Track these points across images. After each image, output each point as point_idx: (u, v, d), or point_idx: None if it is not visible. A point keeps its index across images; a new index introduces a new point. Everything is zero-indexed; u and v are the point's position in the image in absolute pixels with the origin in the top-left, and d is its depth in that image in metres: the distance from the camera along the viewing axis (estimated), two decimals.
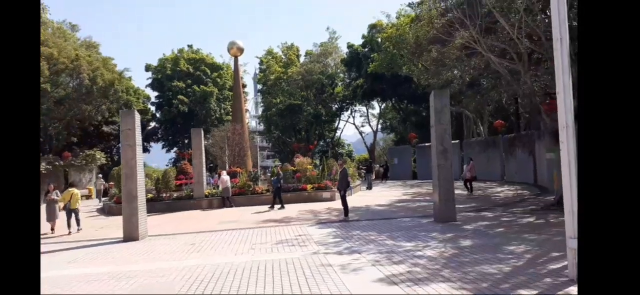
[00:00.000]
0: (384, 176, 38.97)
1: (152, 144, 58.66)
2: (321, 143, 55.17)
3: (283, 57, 54.30)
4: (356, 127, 57.89)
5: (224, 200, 20.02)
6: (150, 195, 20.43)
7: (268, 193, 20.94)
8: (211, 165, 29.61)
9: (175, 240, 12.55)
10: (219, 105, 52.82)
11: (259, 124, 67.76)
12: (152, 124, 57.31)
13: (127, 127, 13.46)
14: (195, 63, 52.80)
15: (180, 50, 54.67)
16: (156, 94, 55.53)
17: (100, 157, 39.67)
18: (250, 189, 20.95)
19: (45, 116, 38.00)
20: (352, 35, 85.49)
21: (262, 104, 59.18)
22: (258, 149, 39.97)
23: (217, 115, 51.62)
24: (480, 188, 25.16)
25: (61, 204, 15.51)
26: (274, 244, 10.81)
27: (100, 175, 25.93)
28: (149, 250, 11.28)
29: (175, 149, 54.06)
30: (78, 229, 15.49)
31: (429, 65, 33.57)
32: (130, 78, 47.69)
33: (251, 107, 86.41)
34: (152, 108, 54.78)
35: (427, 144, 40.26)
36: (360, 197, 22.76)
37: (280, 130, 52.73)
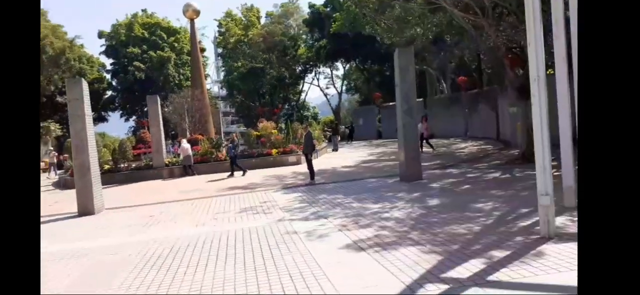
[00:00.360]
0: (350, 137, 38.86)
1: (109, 113, 56.46)
2: (286, 107, 54.44)
3: (243, 19, 52.65)
4: (321, 89, 57.35)
5: (185, 169, 19.36)
6: (107, 167, 19.58)
7: None
8: (172, 133, 28.67)
9: (134, 213, 11.98)
10: (177, 71, 51.08)
11: (221, 88, 66.14)
12: (109, 93, 55.08)
13: (74, 96, 12.55)
14: (151, 28, 50.59)
15: (134, 15, 52.20)
16: (111, 61, 53.17)
17: (54, 129, 37.92)
18: (213, 156, 20.32)
19: None
20: None
21: (223, 69, 57.67)
22: (222, 115, 38.99)
23: (176, 81, 49.95)
24: (444, 144, 25.35)
25: None
26: (237, 213, 10.39)
27: (52, 148, 24.59)
28: (105, 224, 10.68)
29: (134, 117, 52.24)
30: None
31: (392, 23, 33.21)
32: (82, 46, 45.37)
33: (212, 71, 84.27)
34: (108, 76, 52.45)
35: (391, 104, 40.19)
36: (327, 159, 22.52)
37: (243, 95, 51.63)
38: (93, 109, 43.51)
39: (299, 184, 14.84)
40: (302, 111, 54.52)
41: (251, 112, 51.66)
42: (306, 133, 15.56)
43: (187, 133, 24.47)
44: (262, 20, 52.86)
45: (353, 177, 15.28)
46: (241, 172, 18.24)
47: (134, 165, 20.00)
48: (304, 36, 51.51)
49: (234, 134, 19.08)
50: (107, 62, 53.93)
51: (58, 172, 24.00)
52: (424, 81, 41.97)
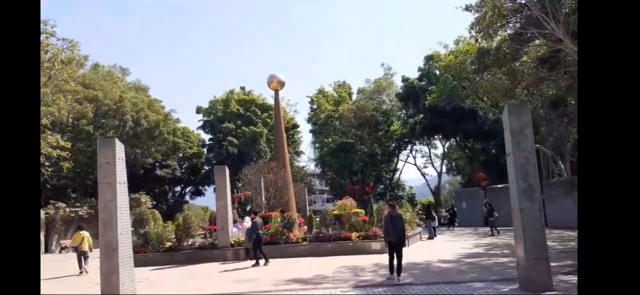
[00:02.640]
0: (451, 223, 34.27)
1: (206, 187, 57.21)
2: (380, 186, 51.06)
3: (334, 95, 51.56)
4: (418, 168, 53.45)
5: (248, 252, 16.70)
6: (168, 244, 17.61)
7: (305, 243, 17.47)
8: (250, 208, 26.69)
9: None
10: (269, 146, 50.51)
11: (316, 166, 64.74)
12: (206, 168, 56.06)
13: (106, 160, 10.64)
14: (246, 104, 51.19)
15: (231, 91, 53.47)
16: (209, 136, 54.42)
17: (146, 200, 38.05)
18: (283, 237, 17.53)
19: (88, 159, 37.21)
20: (408, 70, 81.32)
21: (317, 145, 56.42)
22: (317, 192, 36.61)
23: (268, 157, 49.28)
24: (570, 238, 20.26)
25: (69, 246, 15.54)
26: None
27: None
28: None
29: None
30: (80, 272, 15.49)
31: (498, 84, 29.14)
32: (177, 119, 46.69)
33: (307, 149, 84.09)
34: (204, 151, 53.48)
35: (498, 186, 35.23)
36: (420, 249, 18.67)
37: (333, 172, 49.38)
38: (191, 184, 43.33)
39: (377, 282, 11.36)
40: (396, 191, 50.63)
41: (343, 189, 49.01)
42: (391, 214, 11.92)
43: (263, 209, 22.15)
44: (354, 96, 51.31)
45: (452, 278, 11.44)
46: (264, 261, 15.36)
47: (197, 243, 17.83)
48: (397, 112, 48.82)
49: (253, 215, 16.14)
50: (205, 137, 55.32)
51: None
52: (537, 160, 36.62)
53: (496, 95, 33.12)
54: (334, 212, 19.69)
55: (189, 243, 17.84)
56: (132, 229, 21.83)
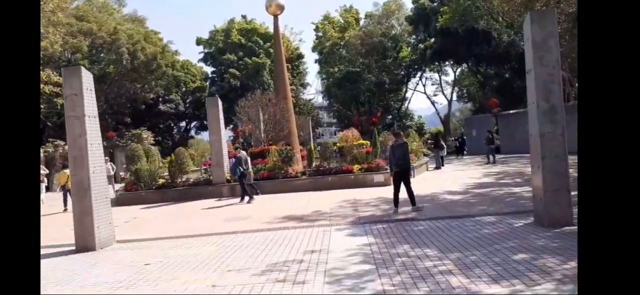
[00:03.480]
0: (459, 151, 33.16)
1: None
2: (388, 117, 49.64)
3: (341, 21, 49.17)
4: (428, 96, 51.77)
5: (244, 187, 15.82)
6: (162, 181, 16.78)
7: (304, 178, 16.53)
8: (246, 143, 25.70)
9: (142, 252, 8.56)
10: (272, 78, 48.93)
11: (323, 98, 63.18)
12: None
13: (72, 91, 9.44)
14: (247, 34, 49.13)
15: (232, 20, 51.30)
16: (211, 69, 52.85)
17: (147, 136, 37.31)
18: (282, 171, 16.57)
19: None
20: None
21: (323, 76, 54.64)
22: (310, 125, 35.40)
23: (272, 89, 47.84)
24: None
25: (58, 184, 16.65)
26: (256, 275, 6.31)
27: (108, 159, 22.59)
28: (83, 271, 7.26)
29: (231, 125, 51.17)
30: (64, 209, 15.51)
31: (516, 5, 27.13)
32: (176, 52, 45.02)
33: (314, 80, 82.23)
34: (207, 84, 52.08)
35: (511, 112, 33.72)
36: (427, 180, 17.67)
37: (340, 103, 47.99)
38: (196, 118, 42.32)
39: (378, 217, 10.39)
40: (404, 121, 49.30)
41: (350, 121, 47.83)
42: (394, 143, 11.07)
43: (262, 143, 21.14)
44: (361, 22, 48.84)
45: (460, 212, 10.41)
46: (247, 198, 14.59)
47: (191, 180, 16.96)
48: (407, 38, 46.49)
49: (239, 150, 15.06)
50: (208, 70, 53.79)
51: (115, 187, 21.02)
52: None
53: (512, 13, 30.94)
54: (338, 144, 18.57)
55: (183, 179, 16.99)
56: (124, 165, 21.21)
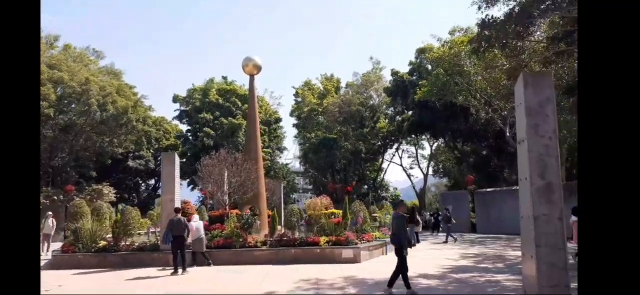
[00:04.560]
0: (435, 227, 31.87)
1: (182, 181, 54.23)
2: (364, 187, 48.48)
3: (321, 88, 48.95)
4: (404, 169, 50.95)
5: (195, 256, 14.04)
6: (102, 243, 14.86)
7: (264, 248, 14.86)
8: (211, 205, 23.92)
9: None
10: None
11: (300, 163, 61.98)
12: (183, 160, 53.13)
13: None
14: (226, 94, 48.23)
15: (211, 80, 50.57)
16: (187, 127, 51.47)
17: (108, 192, 35.10)
18: (240, 239, 14.87)
19: (48, 145, 34.19)
20: (399, 64, 78.08)
21: (300, 141, 53.71)
22: (282, 189, 33.87)
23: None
24: (571, 250, 17.86)
25: None
26: None
27: (50, 213, 20.41)
28: None
29: (200, 186, 49.21)
30: None
31: (497, 80, 26.80)
32: (150, 107, 43.64)
33: (291, 145, 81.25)
34: (179, 142, 50.46)
35: (488, 190, 32.96)
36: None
37: (315, 169, 46.76)
38: None
39: None
40: (380, 191, 48.16)
41: (325, 188, 46.44)
42: (396, 213, 10.00)
43: (226, 207, 19.46)
44: (341, 91, 48.65)
45: None
46: (181, 269, 12.94)
47: (136, 244, 15.08)
48: (384, 108, 46.30)
49: (175, 211, 13.37)
50: (183, 127, 52.39)
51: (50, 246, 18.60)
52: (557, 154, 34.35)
53: (492, 90, 30.86)
54: (298, 210, 17.01)
55: (127, 243, 15.09)
56: (65, 223, 19.17)
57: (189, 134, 49.75)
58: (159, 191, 56.55)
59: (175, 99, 49.91)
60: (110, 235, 15.41)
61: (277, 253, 14.63)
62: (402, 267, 9.35)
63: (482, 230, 29.75)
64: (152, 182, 55.53)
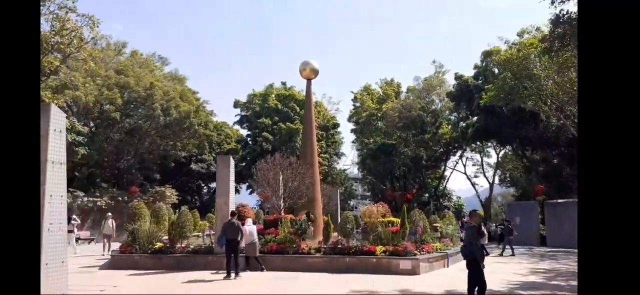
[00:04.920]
0: (501, 239, 30.03)
1: (241, 184, 55.12)
2: (425, 195, 46.90)
3: (380, 92, 47.99)
4: (468, 177, 48.84)
5: (248, 260, 13.78)
6: (158, 245, 14.98)
7: (317, 255, 14.35)
8: (268, 210, 23.81)
9: None
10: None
11: (359, 169, 61.19)
12: (242, 165, 54.02)
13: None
14: (285, 99, 48.56)
15: (270, 86, 51.10)
16: (247, 132, 52.38)
17: (170, 194, 36.13)
18: (294, 245, 14.46)
19: (114, 147, 35.76)
20: (463, 68, 74.80)
21: (358, 147, 52.96)
22: (339, 195, 33.33)
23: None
24: None
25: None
26: None
27: (110, 214, 20.99)
28: None
29: (260, 189, 49.74)
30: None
31: (571, 82, 24.94)
32: (211, 112, 44.65)
33: (351, 152, 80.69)
34: (240, 146, 51.36)
35: (559, 201, 30.68)
36: (463, 271, 15.06)
37: (374, 176, 45.82)
38: None
39: None
40: (442, 200, 46.37)
41: (384, 195, 45.39)
42: (468, 223, 9.57)
43: (281, 211, 19.22)
44: (402, 96, 47.43)
45: None
46: (234, 274, 12.66)
47: (192, 246, 15.07)
48: (448, 115, 44.56)
49: (231, 214, 12.95)
50: (244, 132, 53.36)
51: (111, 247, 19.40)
52: None
53: (564, 94, 28.83)
54: (353, 217, 16.29)
55: (183, 245, 15.12)
56: (125, 224, 19.57)
57: (248, 138, 50.53)
58: None
59: (237, 104, 50.87)
60: (166, 237, 15.52)
61: (331, 261, 14.07)
62: (477, 282, 8.47)
63: (552, 243, 27.63)
64: (214, 185, 56.86)
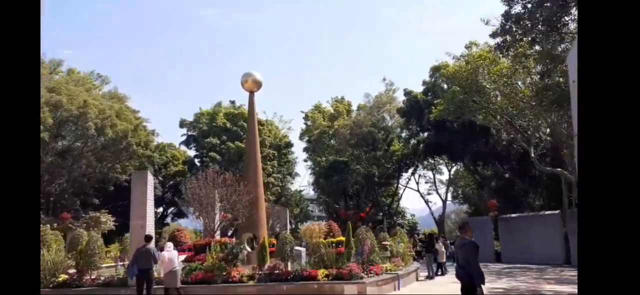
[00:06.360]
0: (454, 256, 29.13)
1: (191, 208, 52.43)
2: (379, 214, 45.86)
3: (331, 110, 46.98)
4: (421, 195, 48.30)
5: (167, 292, 11.84)
6: (62, 277, 12.77)
7: (251, 283, 12.59)
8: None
9: None
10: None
11: (313, 189, 59.61)
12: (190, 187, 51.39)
13: None
14: (234, 118, 46.69)
15: (218, 104, 49.14)
16: (194, 153, 50.00)
17: (106, 219, 33.21)
18: (223, 273, 12.62)
19: (44, 170, 32.66)
20: (412, 85, 73.84)
21: (310, 165, 51.51)
22: (288, 215, 31.66)
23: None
24: None
25: None
26: None
27: None
28: None
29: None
30: None
31: (519, 93, 24.54)
32: (153, 131, 42.10)
33: (304, 171, 79.19)
34: (187, 168, 48.85)
35: (513, 215, 30.23)
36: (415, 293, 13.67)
37: (327, 195, 44.42)
38: (174, 204, 38.64)
39: None
40: (395, 218, 45.49)
41: (338, 215, 43.98)
42: (458, 241, 7.92)
43: (217, 235, 17.31)
44: (353, 114, 46.60)
45: None
46: None
47: (102, 278, 12.91)
48: (400, 132, 44.02)
49: (145, 240, 11.17)
50: (191, 153, 50.95)
51: None
52: (557, 187, 31.60)
53: (513, 108, 28.61)
54: (290, 237, 14.56)
55: (92, 277, 12.97)
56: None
57: (196, 159, 48.21)
58: (167, 219, 54.98)
59: (182, 123, 48.53)
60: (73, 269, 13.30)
61: (266, 289, 12.36)
62: None
63: (507, 259, 26.92)
64: (161, 210, 53.88)
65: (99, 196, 40.47)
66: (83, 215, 33.80)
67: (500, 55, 26.70)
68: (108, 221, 33.50)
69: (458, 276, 7.33)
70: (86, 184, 37.41)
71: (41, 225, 29.34)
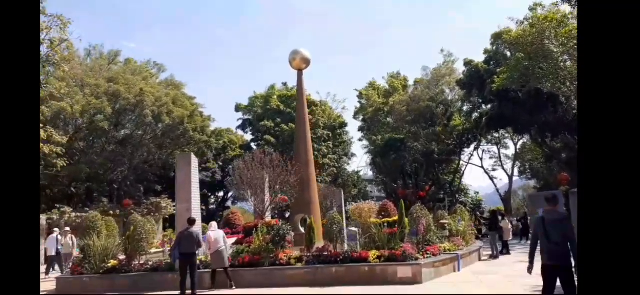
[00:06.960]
0: (523, 233, 27.33)
1: (249, 191, 53.10)
2: (441, 193, 44.03)
3: (386, 87, 45.42)
4: (486, 171, 45.90)
5: (214, 276, 11.46)
6: (112, 263, 12.73)
7: (299, 266, 11.96)
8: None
9: None
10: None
11: (371, 169, 58.48)
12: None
13: None
14: (287, 100, 46.40)
15: (272, 87, 49.03)
16: (250, 136, 50.42)
17: (166, 205, 34.04)
18: (271, 256, 12.07)
19: (106, 158, 33.88)
20: (473, 54, 69.91)
21: (365, 144, 50.37)
22: (342, 196, 30.92)
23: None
24: None
25: None
26: None
27: (68, 229, 18.71)
28: None
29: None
30: None
31: None
32: (209, 117, 42.54)
33: (359, 151, 78.15)
34: (244, 152, 49.35)
35: None
36: (478, 277, 12.49)
37: (385, 174, 43.24)
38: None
39: None
40: (458, 196, 43.53)
41: (397, 195, 42.72)
42: (546, 215, 6.64)
43: (268, 216, 16.91)
44: (410, 90, 44.75)
45: None
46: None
47: (151, 263, 12.75)
48: (460, 105, 41.74)
49: (188, 222, 10.42)
50: (248, 137, 51.44)
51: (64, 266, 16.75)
52: None
53: None
54: (339, 217, 13.68)
55: (141, 262, 12.85)
56: (78, 240, 17.35)
57: (252, 142, 48.54)
58: (228, 202, 56.07)
59: (238, 107, 48.92)
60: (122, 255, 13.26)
61: (315, 273, 11.67)
62: None
63: None
64: (221, 194, 54.97)
65: (162, 183, 41.65)
66: (144, 201, 34.88)
67: (569, 15, 24.24)
68: (168, 206, 34.32)
69: (551, 256, 6.07)
70: (148, 171, 38.53)
71: (104, 212, 30.59)
